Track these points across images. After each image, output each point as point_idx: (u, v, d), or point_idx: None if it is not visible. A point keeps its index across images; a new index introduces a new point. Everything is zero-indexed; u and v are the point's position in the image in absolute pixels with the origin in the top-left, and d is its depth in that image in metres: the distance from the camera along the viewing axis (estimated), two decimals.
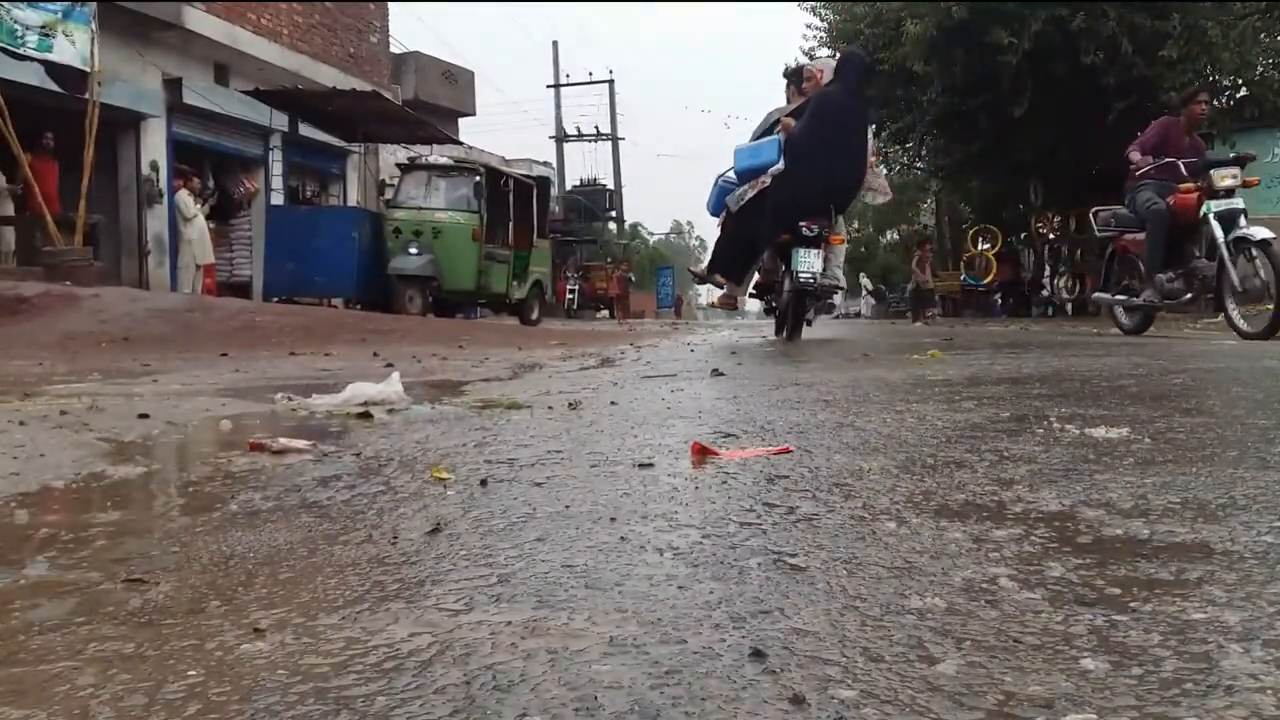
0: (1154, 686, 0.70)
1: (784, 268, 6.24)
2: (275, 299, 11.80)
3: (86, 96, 9.77)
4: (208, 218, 13.27)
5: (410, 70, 20.53)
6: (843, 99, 6.05)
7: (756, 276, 6.73)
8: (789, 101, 6.72)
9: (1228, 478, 1.39)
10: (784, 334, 6.43)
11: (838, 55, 8.51)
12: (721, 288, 6.75)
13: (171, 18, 12.31)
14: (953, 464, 1.57)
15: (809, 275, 5.91)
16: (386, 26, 18.19)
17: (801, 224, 5.85)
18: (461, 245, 12.50)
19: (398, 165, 14.14)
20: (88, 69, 9.94)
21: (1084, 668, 0.73)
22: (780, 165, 5.94)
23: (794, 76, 6.90)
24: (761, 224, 6.00)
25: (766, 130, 6.56)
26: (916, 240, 24.22)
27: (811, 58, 18.50)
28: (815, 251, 5.91)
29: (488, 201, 12.94)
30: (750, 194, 6.02)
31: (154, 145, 12.91)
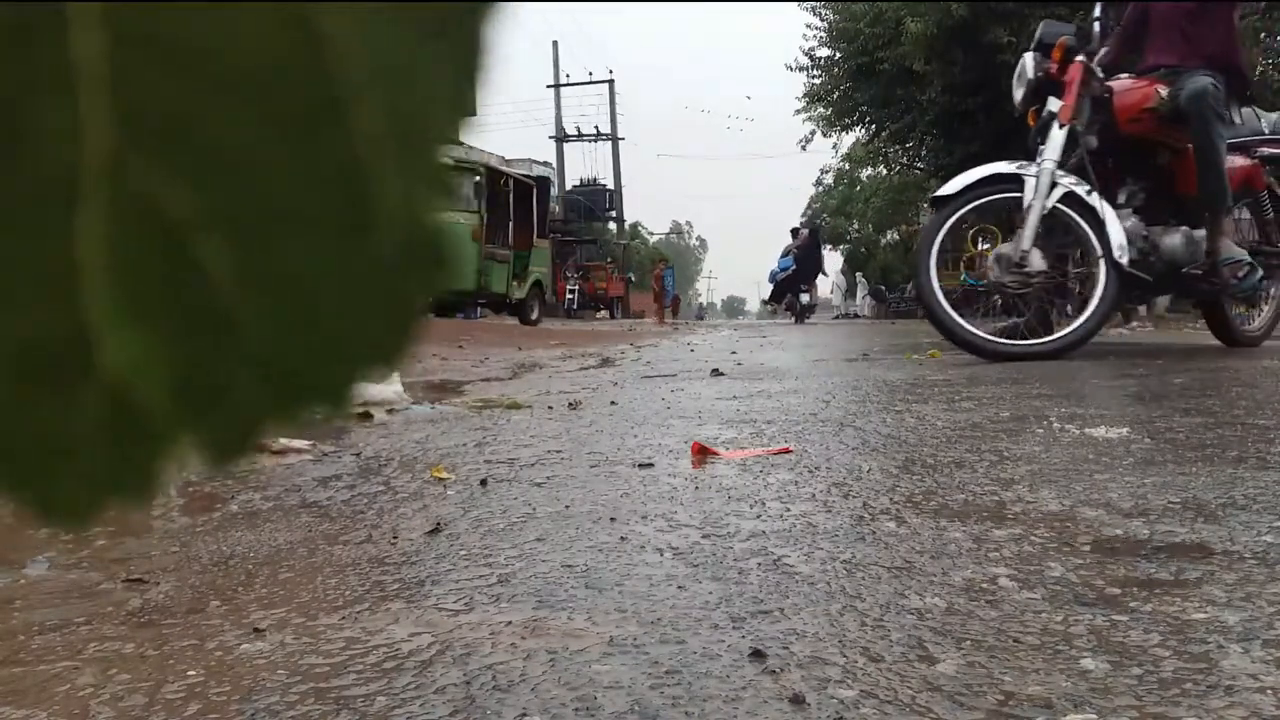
0: (1154, 686, 0.70)
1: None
2: None
3: None
4: None
5: None
6: (810, 245, 13.95)
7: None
8: (794, 237, 16.67)
9: (1228, 478, 1.39)
10: (794, 321, 10.08)
11: (806, 229, 17.53)
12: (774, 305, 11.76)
13: None
14: (953, 464, 1.57)
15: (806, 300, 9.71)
16: None
17: (801, 286, 11.14)
18: (461, 245, 12.50)
19: None
20: None
21: (1084, 668, 0.73)
22: (792, 266, 10.88)
23: (794, 233, 17.19)
24: (786, 285, 11.75)
25: (786, 253, 15.36)
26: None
27: (811, 57, 18.52)
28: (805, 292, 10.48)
29: (487, 201, 12.94)
30: (780, 276, 12.97)
31: None
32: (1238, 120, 4.07)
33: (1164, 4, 4.01)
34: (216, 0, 0.11)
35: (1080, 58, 3.79)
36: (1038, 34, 4.02)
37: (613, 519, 1.26)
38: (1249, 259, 3.87)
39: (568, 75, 42.01)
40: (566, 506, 1.34)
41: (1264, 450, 1.60)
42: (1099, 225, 3.63)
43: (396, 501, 1.43)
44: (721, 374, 3.65)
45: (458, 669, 0.76)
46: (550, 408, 2.60)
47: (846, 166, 35.58)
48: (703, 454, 1.71)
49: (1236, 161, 4.06)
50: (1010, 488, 1.38)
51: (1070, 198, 3.66)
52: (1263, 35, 15.09)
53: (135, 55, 0.11)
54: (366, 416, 2.50)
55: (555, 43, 39.37)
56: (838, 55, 18.02)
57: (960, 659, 0.76)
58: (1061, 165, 3.70)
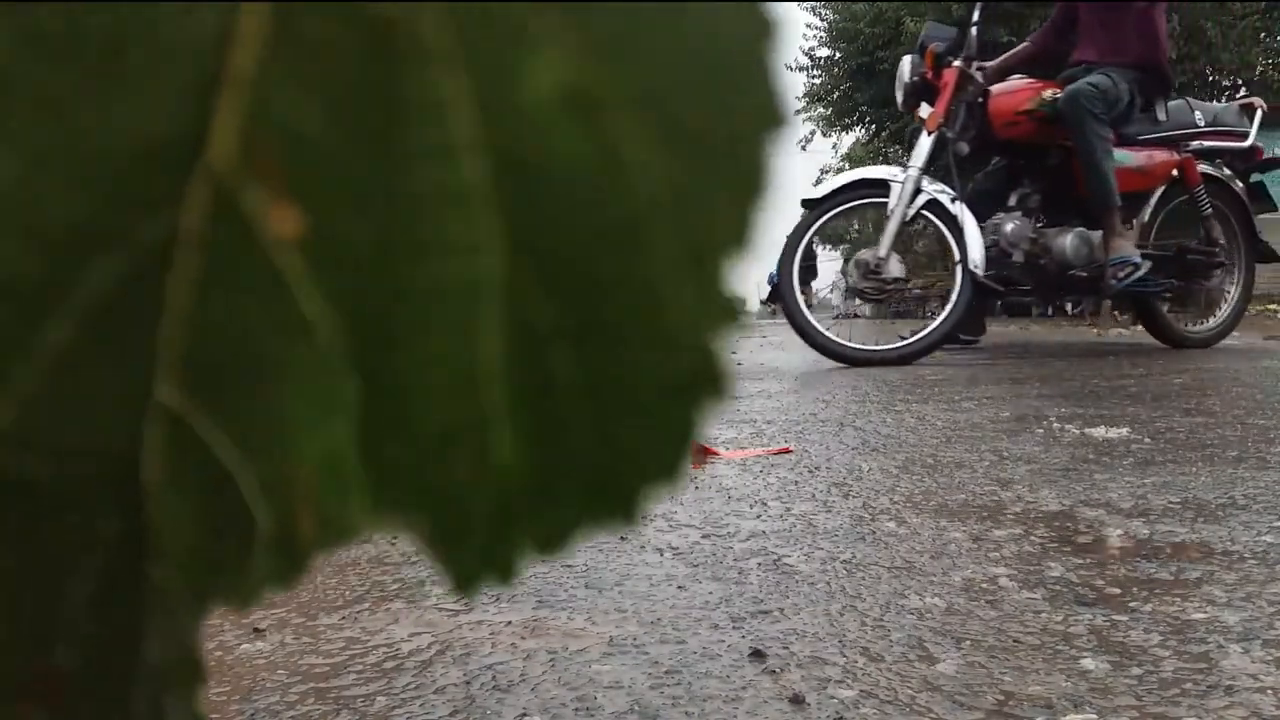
0: (1154, 686, 0.70)
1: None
2: None
3: None
4: None
5: None
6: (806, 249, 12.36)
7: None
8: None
9: (1228, 478, 1.39)
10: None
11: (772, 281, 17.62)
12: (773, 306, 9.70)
13: None
14: (953, 464, 1.57)
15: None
16: None
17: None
18: None
19: None
20: None
21: (1084, 668, 0.73)
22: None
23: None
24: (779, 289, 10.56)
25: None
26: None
27: (811, 57, 18.52)
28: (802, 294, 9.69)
29: None
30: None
31: None
32: (1162, 117, 4.05)
33: (1091, 1, 3.98)
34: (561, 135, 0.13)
35: (957, 63, 3.79)
36: (920, 37, 4.01)
37: None
38: (1137, 260, 3.79)
39: None
40: None
41: (1264, 450, 1.60)
42: (959, 232, 3.64)
43: None
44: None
45: (458, 669, 0.76)
46: None
47: (846, 166, 35.61)
48: (703, 454, 1.71)
49: (1156, 157, 4.01)
50: (1010, 487, 1.38)
51: (934, 204, 3.68)
52: (1263, 35, 15.09)
53: (513, 181, 0.13)
54: None
55: None
56: (838, 55, 18.03)
57: (960, 659, 0.76)
58: (929, 171, 3.75)
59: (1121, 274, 3.79)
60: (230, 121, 0.13)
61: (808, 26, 18.79)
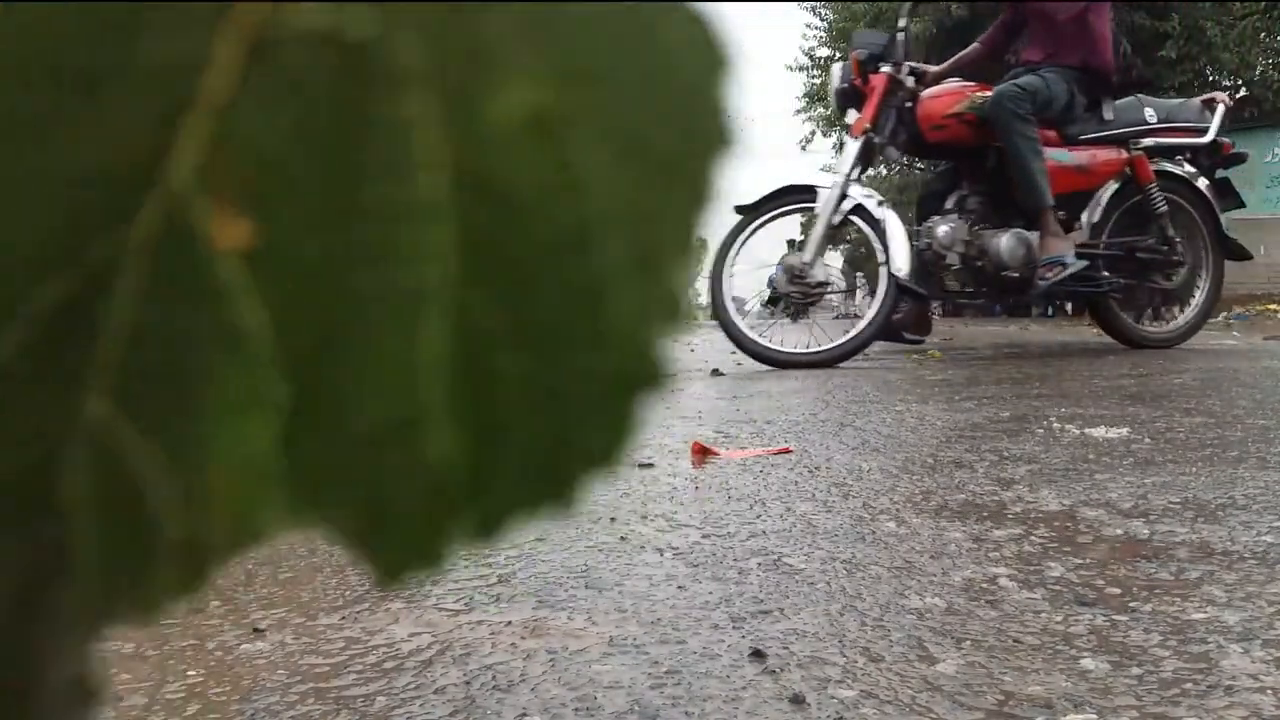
0: (1154, 686, 0.70)
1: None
2: None
3: None
4: None
5: None
6: None
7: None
8: (790, 247, 13.69)
9: (1228, 478, 1.39)
10: (792, 321, 9.24)
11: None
12: (772, 308, 10.56)
13: None
14: (953, 464, 1.57)
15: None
16: None
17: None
18: None
19: None
20: None
21: (1084, 668, 0.73)
22: None
23: (790, 244, 15.15)
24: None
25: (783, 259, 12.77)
26: None
27: (811, 57, 18.53)
28: None
29: None
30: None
31: None
32: (1109, 115, 4.03)
33: (1038, 2, 3.97)
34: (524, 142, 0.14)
35: (886, 68, 3.82)
36: (851, 43, 4.03)
37: (613, 519, 1.26)
38: (1065, 260, 3.77)
39: None
40: None
41: (1264, 450, 1.60)
42: (884, 236, 3.67)
43: None
44: (721, 374, 3.65)
45: (458, 669, 0.76)
46: None
47: None
48: (703, 454, 1.71)
49: (1100, 156, 3.99)
50: (1010, 487, 1.38)
51: (860, 209, 3.72)
52: (1263, 35, 15.09)
53: (471, 195, 0.14)
54: None
55: None
56: (837, 55, 18.03)
57: (960, 659, 0.76)
58: (863, 175, 3.82)
59: (1049, 274, 3.79)
60: (193, 143, 0.13)
61: (807, 26, 18.83)
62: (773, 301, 3.87)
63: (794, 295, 3.78)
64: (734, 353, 5.15)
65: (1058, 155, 3.93)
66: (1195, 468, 1.47)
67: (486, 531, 0.15)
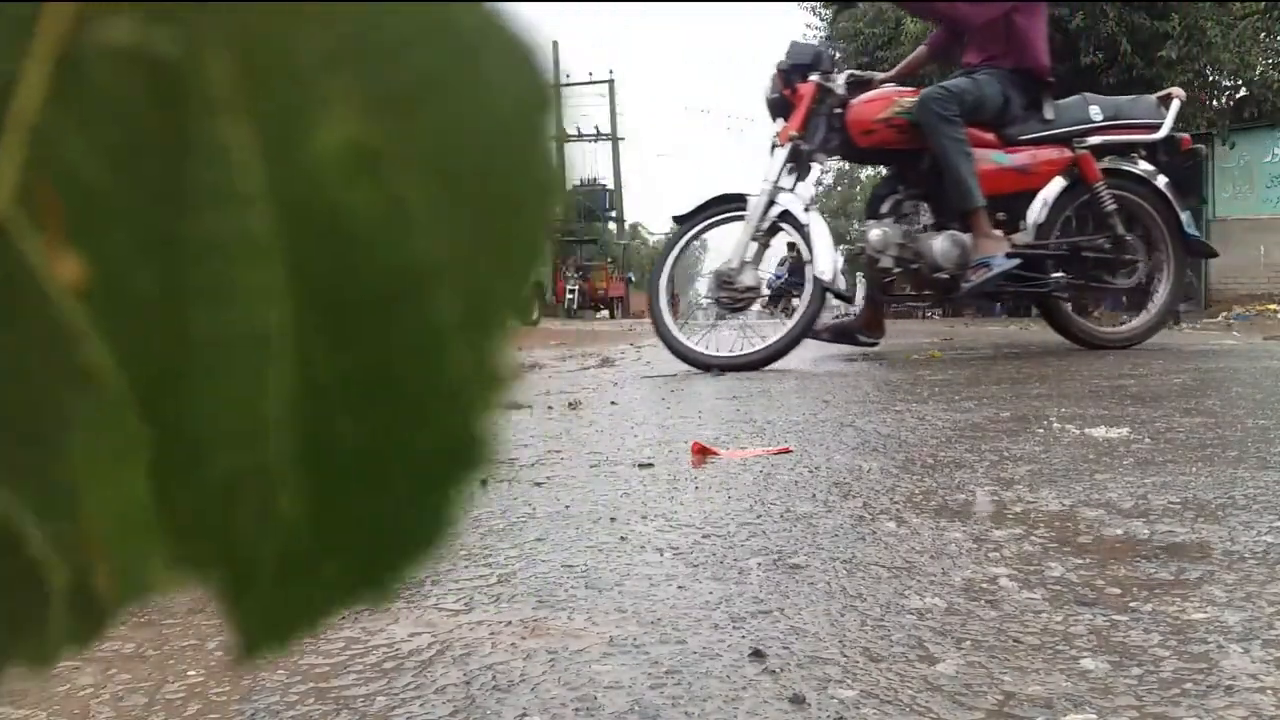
0: (1154, 686, 0.70)
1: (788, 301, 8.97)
2: None
3: None
4: None
5: None
6: (798, 258, 11.09)
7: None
8: (789, 250, 11.74)
9: (1228, 478, 1.39)
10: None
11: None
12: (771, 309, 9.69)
13: None
14: (953, 464, 1.57)
15: (797, 303, 8.97)
16: None
17: (793, 293, 8.80)
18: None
19: None
20: None
21: (1084, 668, 0.73)
22: (786, 275, 9.46)
23: (790, 247, 11.77)
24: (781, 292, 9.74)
25: (781, 263, 12.04)
26: None
27: None
28: (796, 297, 8.42)
29: None
30: (777, 284, 9.86)
31: None
32: (1050, 115, 4.01)
33: (1003, 11, 3.99)
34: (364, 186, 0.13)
35: (815, 77, 3.86)
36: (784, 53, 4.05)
37: (613, 519, 1.26)
38: (992, 261, 3.77)
39: (568, 75, 42.06)
40: (566, 506, 1.34)
41: (1264, 450, 1.60)
42: (809, 240, 3.73)
43: None
44: (722, 374, 3.65)
45: (458, 669, 0.76)
46: (550, 408, 2.60)
47: (846, 166, 35.60)
48: (703, 454, 1.71)
49: (1041, 156, 3.97)
50: (1010, 488, 1.38)
51: (787, 215, 3.77)
52: (1263, 35, 15.09)
53: (299, 233, 0.13)
54: None
55: (555, 43, 39.29)
56: (837, 55, 18.03)
57: (960, 659, 0.76)
58: (800, 183, 3.87)
59: (974, 276, 3.81)
60: (8, 168, 0.13)
61: (807, 26, 18.80)
62: (718, 305, 3.92)
63: (723, 300, 3.84)
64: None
65: (996, 157, 3.93)
66: (1195, 468, 1.47)
67: (312, 617, 0.15)
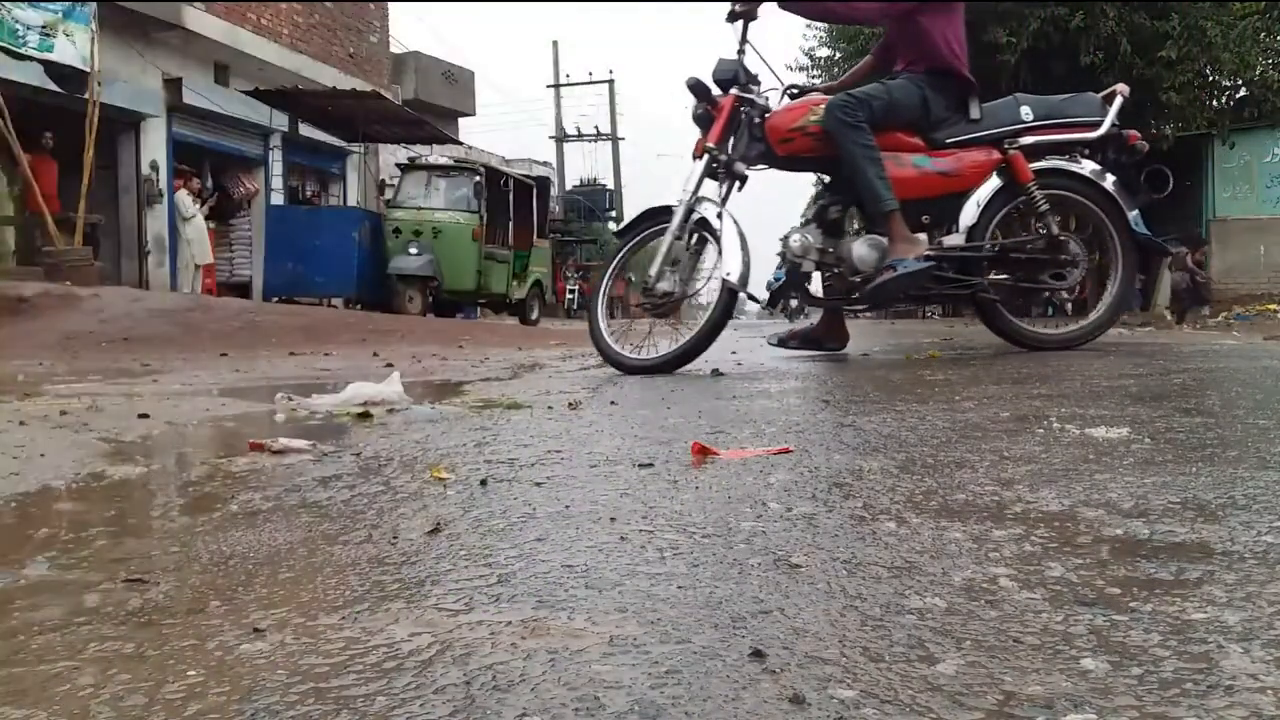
0: (1154, 686, 0.70)
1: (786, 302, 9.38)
2: (275, 299, 11.81)
3: (86, 96, 9.77)
4: (208, 218, 13.26)
5: (410, 70, 20.53)
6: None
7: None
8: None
9: (1228, 478, 1.39)
10: (789, 321, 8.59)
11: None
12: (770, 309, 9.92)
13: (171, 18, 12.31)
14: (953, 464, 1.57)
15: (795, 304, 8.39)
16: (386, 26, 18.20)
17: (791, 294, 8.50)
18: (461, 245, 12.50)
19: (398, 165, 14.15)
20: (88, 69, 9.95)
21: (1084, 668, 0.73)
22: (784, 278, 9.34)
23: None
24: (780, 293, 9.44)
25: (781, 265, 11.61)
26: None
27: (811, 57, 18.52)
28: (794, 298, 8.69)
29: (487, 201, 12.94)
30: (776, 285, 9.92)
31: (154, 145, 12.91)
32: (976, 115, 4.02)
33: (900, 11, 4.02)
34: None
35: (734, 90, 3.96)
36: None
37: (613, 519, 1.26)
38: (897, 265, 3.79)
39: (568, 75, 42.07)
40: (566, 506, 1.34)
41: (1264, 450, 1.60)
42: (720, 245, 3.82)
43: (396, 501, 1.43)
44: (722, 374, 3.65)
45: (458, 669, 0.76)
46: (550, 408, 2.60)
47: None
48: (703, 454, 1.71)
49: (966, 158, 3.97)
50: (1010, 488, 1.38)
51: (703, 223, 3.89)
52: (1263, 35, 15.08)
53: None
54: (366, 416, 2.50)
55: (555, 43, 39.39)
56: (837, 55, 18.01)
57: (960, 659, 0.76)
58: (729, 193, 3.97)
59: (879, 277, 3.84)
60: None
61: (808, 26, 18.77)
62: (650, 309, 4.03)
63: (646, 306, 3.98)
64: (734, 353, 5.16)
65: (918, 161, 3.95)
66: (1195, 468, 1.47)
67: None
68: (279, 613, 0.92)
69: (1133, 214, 3.95)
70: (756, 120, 3.98)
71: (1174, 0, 13.87)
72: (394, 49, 19.20)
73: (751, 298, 4.02)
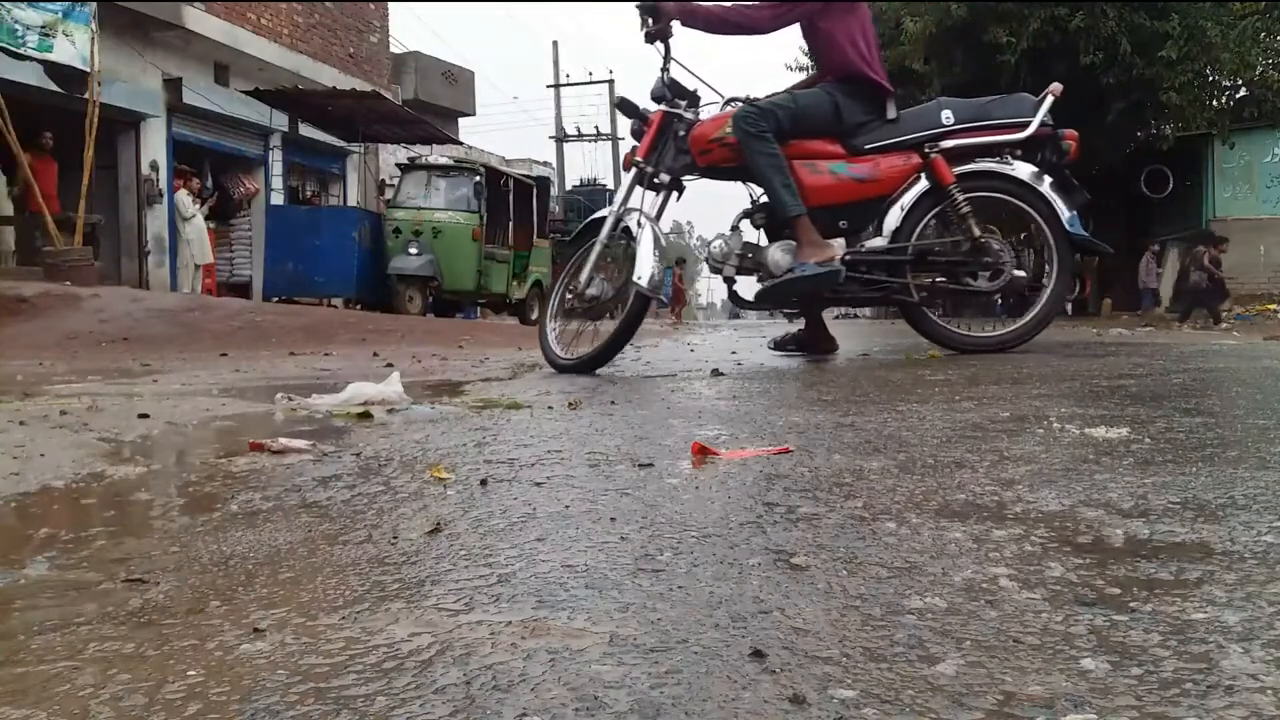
0: (1154, 686, 0.70)
1: None
2: (275, 299, 11.81)
3: (86, 96, 9.76)
4: (208, 218, 13.26)
5: (410, 70, 20.52)
6: None
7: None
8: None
9: (1228, 478, 1.39)
10: (789, 321, 8.55)
11: None
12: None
13: (171, 18, 12.31)
14: (953, 464, 1.57)
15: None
16: (386, 26, 18.20)
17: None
18: (461, 245, 12.50)
19: (398, 165, 14.15)
20: (88, 69, 9.94)
21: (1084, 668, 0.73)
22: None
23: None
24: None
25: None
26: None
27: (811, 57, 18.53)
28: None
29: (487, 201, 12.94)
30: None
31: (154, 145, 12.91)
32: (891, 114, 4.03)
33: (796, 16, 4.06)
34: None
35: (662, 106, 4.11)
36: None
37: (613, 519, 1.26)
38: (796, 268, 3.84)
39: (568, 75, 42.06)
40: (566, 506, 1.34)
41: (1264, 450, 1.60)
42: (637, 251, 3.96)
43: (396, 501, 1.43)
44: (721, 374, 3.65)
45: (458, 669, 0.76)
46: (550, 408, 2.60)
47: None
48: (703, 454, 1.71)
49: (884, 164, 3.97)
50: (1010, 488, 1.38)
51: (626, 230, 4.06)
52: (1263, 35, 15.09)
53: None
54: (366, 416, 2.50)
55: (555, 43, 39.40)
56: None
57: (961, 659, 0.76)
58: (666, 203, 4.15)
59: (774, 281, 3.90)
60: None
61: None
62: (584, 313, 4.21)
63: (578, 310, 4.16)
64: (734, 353, 5.16)
65: (835, 168, 3.98)
66: (1195, 468, 1.47)
67: None
68: (279, 613, 0.92)
69: (1069, 215, 3.93)
70: (682, 133, 4.11)
71: (1174, 0, 13.88)
72: (394, 49, 19.20)
73: (661, 302, 4.22)
